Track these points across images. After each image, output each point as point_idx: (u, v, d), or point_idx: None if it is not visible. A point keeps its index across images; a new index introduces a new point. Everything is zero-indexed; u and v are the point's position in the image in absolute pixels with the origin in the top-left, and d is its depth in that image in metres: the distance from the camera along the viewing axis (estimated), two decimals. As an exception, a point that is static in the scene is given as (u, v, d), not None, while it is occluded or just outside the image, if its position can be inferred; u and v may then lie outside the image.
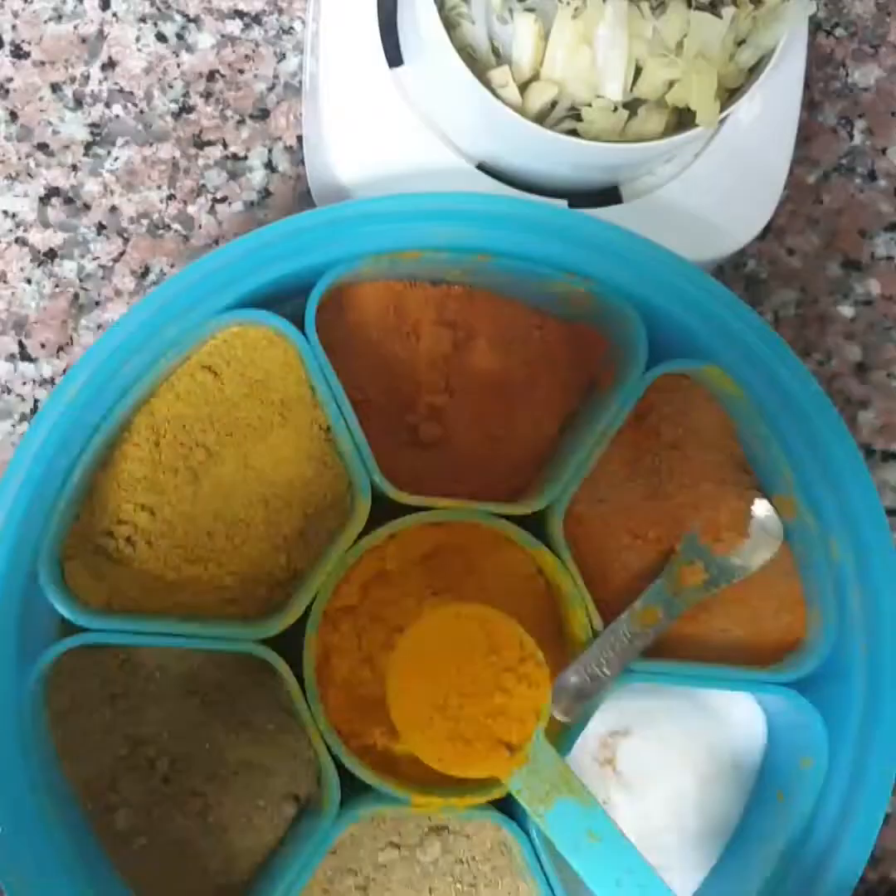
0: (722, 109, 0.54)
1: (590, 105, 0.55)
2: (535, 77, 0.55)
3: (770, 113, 0.60)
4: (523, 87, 0.55)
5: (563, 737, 0.54)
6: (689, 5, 0.54)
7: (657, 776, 0.59)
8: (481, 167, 0.60)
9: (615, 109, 0.54)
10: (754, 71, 0.55)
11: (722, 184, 0.61)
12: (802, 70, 0.61)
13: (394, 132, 0.59)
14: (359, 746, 0.54)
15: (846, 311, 0.69)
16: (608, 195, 0.61)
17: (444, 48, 0.54)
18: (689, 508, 0.57)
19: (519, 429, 0.58)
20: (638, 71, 0.54)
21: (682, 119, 0.56)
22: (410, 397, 0.58)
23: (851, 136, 0.69)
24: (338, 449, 0.55)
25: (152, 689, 0.56)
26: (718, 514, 0.57)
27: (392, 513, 0.54)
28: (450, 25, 0.54)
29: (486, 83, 0.54)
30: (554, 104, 0.55)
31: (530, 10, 0.54)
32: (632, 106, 0.55)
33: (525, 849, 0.54)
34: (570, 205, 0.59)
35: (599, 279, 0.55)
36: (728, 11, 0.53)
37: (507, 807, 0.55)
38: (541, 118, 0.55)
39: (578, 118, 0.55)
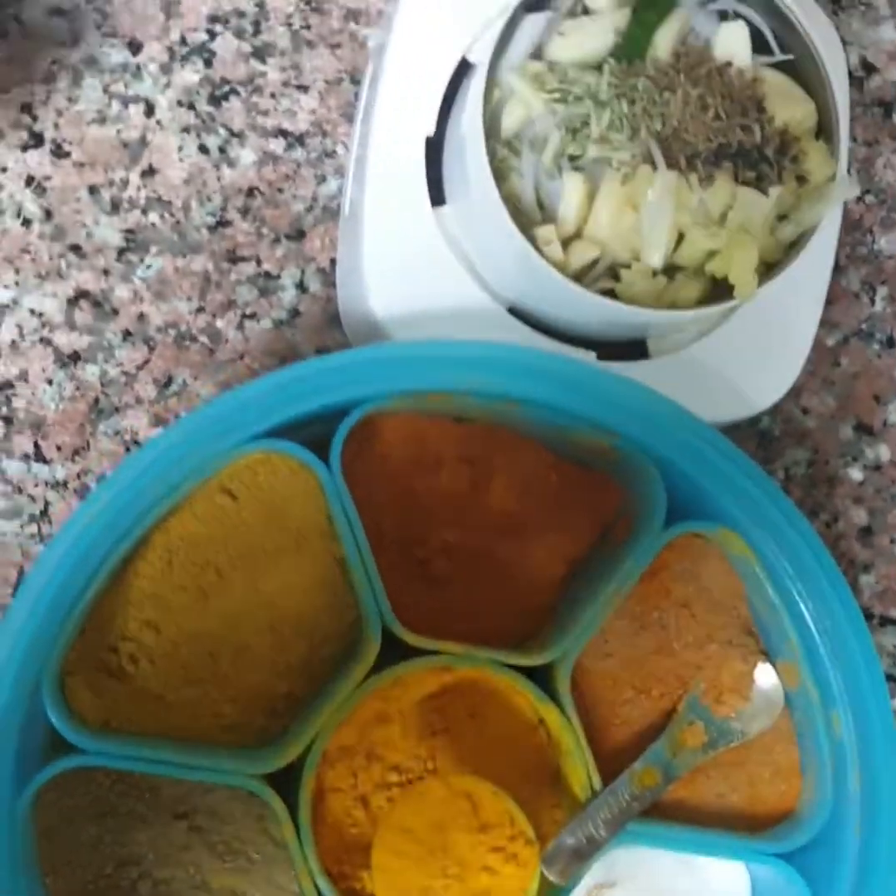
0: (759, 283, 0.55)
1: (628, 266, 0.56)
2: (578, 234, 0.56)
3: (800, 280, 0.61)
4: (565, 243, 0.56)
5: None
6: (736, 179, 0.55)
7: (640, 931, 0.59)
8: (512, 310, 0.61)
9: (654, 275, 0.55)
10: (793, 246, 0.56)
11: (748, 346, 0.62)
12: (835, 240, 0.63)
13: (430, 269, 0.60)
14: (347, 888, 0.53)
15: (855, 474, 0.70)
16: (636, 348, 0.61)
17: (492, 199, 0.55)
18: (693, 668, 0.58)
19: (528, 571, 0.59)
20: (679, 237, 0.55)
21: (716, 284, 0.57)
22: (424, 531, 0.58)
23: (873, 302, 0.71)
24: (350, 583, 0.55)
25: (142, 810, 0.55)
26: (721, 675, 0.57)
27: (396, 646, 0.54)
28: (498, 176, 0.55)
29: (531, 237, 0.55)
30: (594, 262, 0.56)
31: (579, 169, 0.55)
32: (669, 270, 0.56)
33: None
34: (599, 356, 0.60)
35: (624, 435, 0.56)
36: (775, 191, 0.54)
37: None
38: (580, 275, 0.56)
39: (616, 277, 0.56)
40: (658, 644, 0.58)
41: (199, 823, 0.55)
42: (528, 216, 0.56)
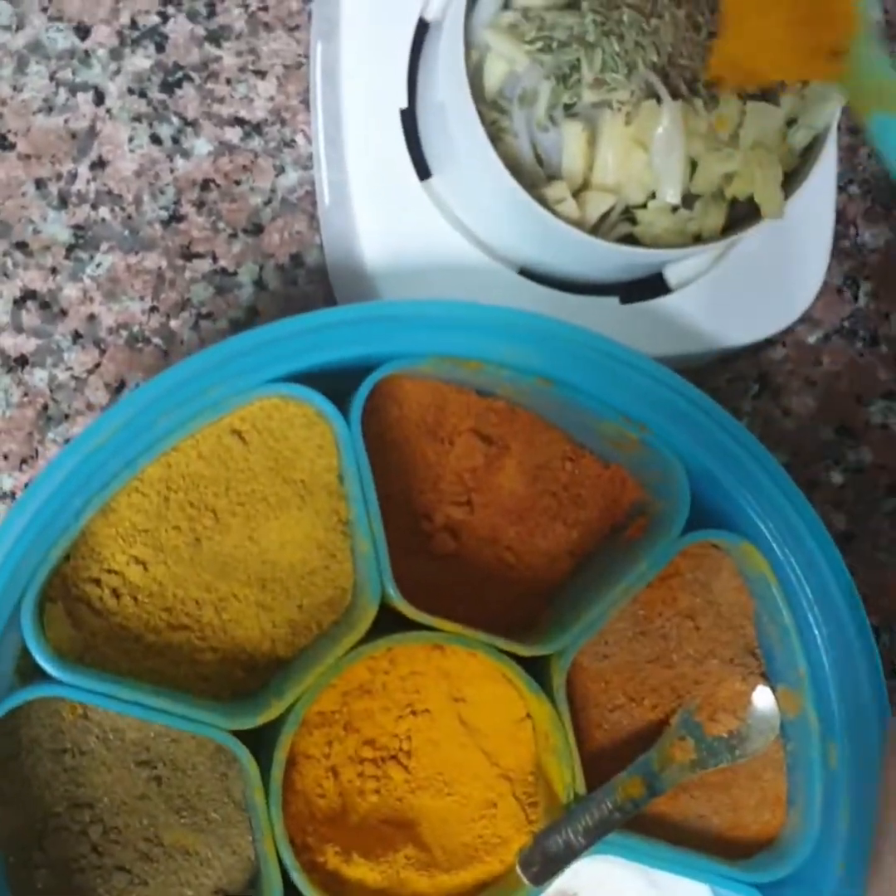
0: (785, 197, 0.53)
1: (644, 206, 0.54)
2: (586, 184, 0.54)
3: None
4: (575, 195, 0.54)
5: (522, 897, 0.52)
6: (739, 94, 0.53)
7: (596, 945, 0.57)
8: (524, 272, 0.59)
9: (674, 210, 0.53)
10: (808, 152, 0.55)
11: (766, 262, 0.61)
12: (834, 147, 0.61)
13: (433, 245, 0.59)
14: (307, 861, 0.52)
15: (836, 477, 0.68)
16: (655, 284, 0.60)
17: (492, 167, 0.53)
18: (690, 682, 0.56)
19: (532, 559, 0.57)
20: (692, 166, 0.54)
21: (736, 205, 0.55)
22: (430, 504, 0.56)
23: (856, 298, 0.68)
24: (352, 547, 0.53)
25: (103, 752, 0.53)
26: (718, 693, 0.56)
27: (387, 620, 0.52)
28: (492, 140, 0.53)
29: (539, 197, 0.53)
30: (608, 210, 0.54)
31: (574, 116, 0.53)
32: (686, 200, 0.54)
33: None
34: (622, 300, 0.59)
35: (655, 430, 0.54)
36: (786, 99, 0.53)
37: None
38: (597, 226, 0.54)
39: (632, 220, 0.54)
40: (657, 653, 0.56)
41: (160, 774, 0.53)
42: (530, 176, 0.54)
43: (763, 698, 0.56)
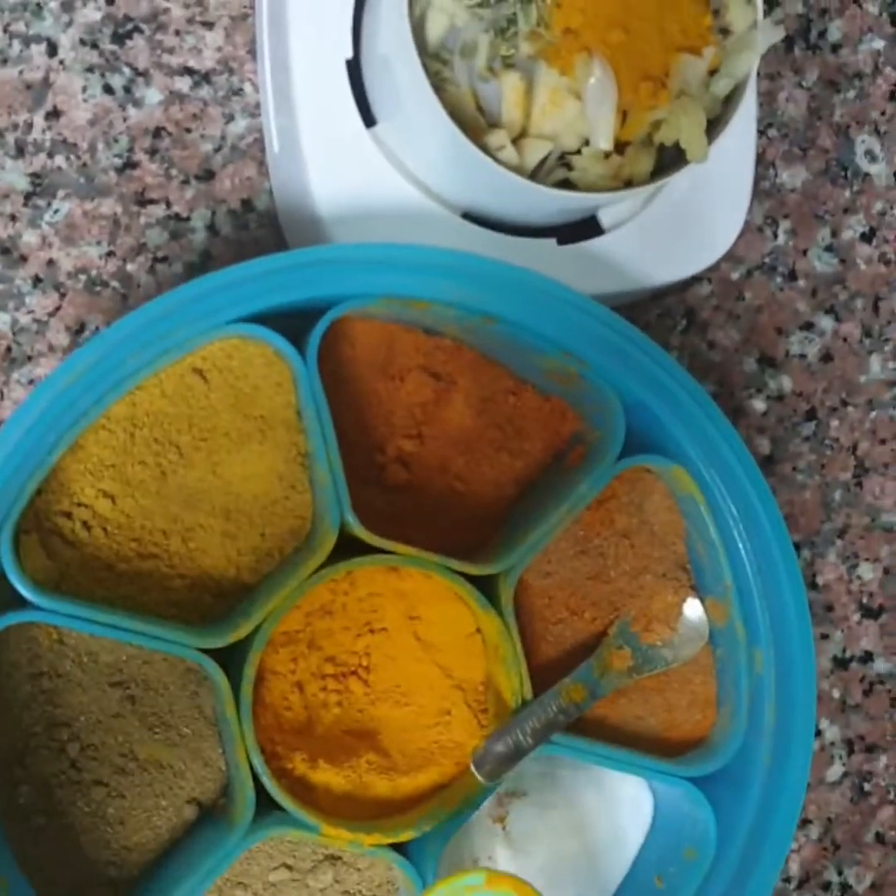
0: (709, 142, 0.56)
1: (579, 152, 0.57)
2: (524, 132, 0.57)
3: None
4: (514, 142, 0.57)
5: (477, 796, 0.56)
6: None
7: (543, 840, 0.61)
8: (467, 215, 0.62)
9: (607, 156, 0.56)
10: (729, 100, 0.58)
11: (693, 202, 0.64)
12: (754, 95, 0.65)
13: (381, 190, 0.61)
14: (277, 768, 0.55)
15: (759, 405, 0.72)
16: (590, 226, 0.64)
17: (437, 117, 0.55)
18: (626, 596, 0.60)
19: (480, 487, 0.60)
20: (623, 114, 0.56)
21: (665, 150, 0.58)
22: (383, 438, 0.59)
23: (776, 236, 0.72)
24: (312, 478, 0.56)
25: (78, 674, 0.56)
26: (652, 605, 0.60)
27: (346, 546, 0.55)
28: (436, 90, 0.55)
29: (481, 146, 0.56)
30: (545, 156, 0.57)
31: (512, 67, 0.56)
32: (618, 147, 0.57)
33: (417, 888, 0.55)
34: (559, 242, 0.62)
35: (592, 364, 0.58)
36: (708, 51, 0.56)
37: (406, 850, 0.56)
38: (535, 172, 0.57)
39: (568, 166, 0.57)
40: (596, 570, 0.60)
41: (133, 693, 0.56)
42: (472, 124, 0.57)
43: (693, 609, 0.60)
